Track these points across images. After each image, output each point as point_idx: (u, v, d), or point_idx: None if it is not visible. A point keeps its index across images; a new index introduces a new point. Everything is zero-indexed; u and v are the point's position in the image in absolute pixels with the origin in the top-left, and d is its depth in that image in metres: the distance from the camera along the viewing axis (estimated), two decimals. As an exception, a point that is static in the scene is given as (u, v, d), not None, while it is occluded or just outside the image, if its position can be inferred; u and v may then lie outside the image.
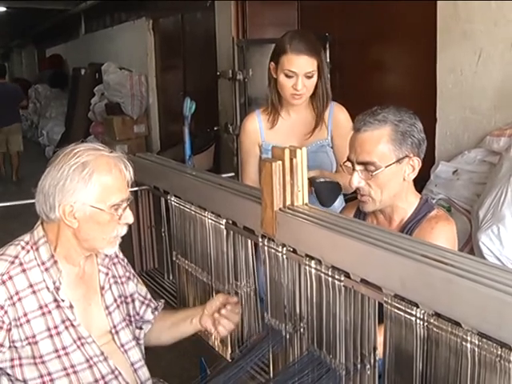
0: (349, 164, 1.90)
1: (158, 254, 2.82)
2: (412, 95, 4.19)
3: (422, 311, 1.20)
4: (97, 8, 10.11)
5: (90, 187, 1.67)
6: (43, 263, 1.73)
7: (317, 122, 2.54)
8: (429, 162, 3.81)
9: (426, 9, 3.85)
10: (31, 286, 1.71)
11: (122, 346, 1.88)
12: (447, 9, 3.68)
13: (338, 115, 2.55)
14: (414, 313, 1.21)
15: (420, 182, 3.71)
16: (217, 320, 1.88)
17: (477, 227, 2.95)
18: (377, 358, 1.41)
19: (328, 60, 4.67)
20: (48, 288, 1.72)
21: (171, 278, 2.62)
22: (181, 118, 5.58)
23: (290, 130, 2.57)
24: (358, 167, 1.86)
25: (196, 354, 2.33)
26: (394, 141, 1.82)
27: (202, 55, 7.08)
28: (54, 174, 1.67)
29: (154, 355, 2.09)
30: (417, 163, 1.86)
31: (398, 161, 1.82)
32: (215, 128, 6.33)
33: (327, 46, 4.73)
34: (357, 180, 1.86)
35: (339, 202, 2.64)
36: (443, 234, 1.82)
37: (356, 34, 4.71)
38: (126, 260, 2.03)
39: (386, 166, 1.81)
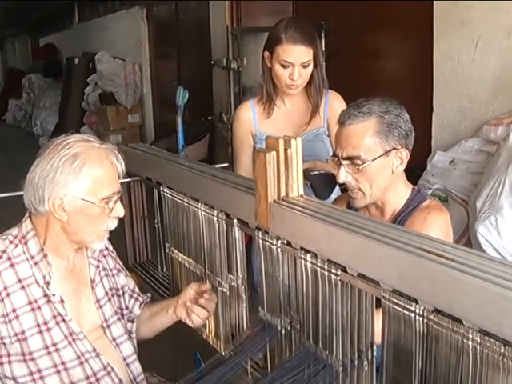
0: (335, 159, 1.86)
1: (151, 246, 2.78)
2: (408, 83, 4.14)
3: (422, 307, 1.16)
4: (90, -3, 10.04)
5: (81, 180, 1.62)
6: (32, 257, 1.69)
7: (313, 111, 2.50)
8: (425, 151, 3.78)
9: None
10: (20, 281, 1.67)
11: (114, 340, 1.84)
12: (444, -4, 3.64)
13: (333, 103, 2.52)
14: (413, 309, 1.17)
15: (416, 172, 3.69)
16: (189, 309, 1.84)
17: (474, 218, 2.92)
18: (374, 354, 1.38)
19: (323, 48, 4.62)
20: (38, 283, 1.68)
21: (165, 270, 2.58)
22: (175, 108, 5.54)
23: (285, 119, 2.53)
24: (344, 162, 1.82)
25: (189, 348, 2.29)
26: (379, 133, 1.78)
27: (196, 44, 7.02)
28: (43, 166, 1.63)
29: (146, 349, 2.06)
30: (405, 155, 1.82)
31: (385, 153, 1.79)
32: (209, 117, 6.28)
33: (323, 34, 4.68)
34: (343, 175, 1.82)
35: (335, 192, 2.61)
36: (436, 224, 1.78)
37: (352, 21, 4.66)
38: (115, 252, 1.99)
39: (373, 160, 1.78)
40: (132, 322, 1.97)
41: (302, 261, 1.47)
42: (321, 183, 2.15)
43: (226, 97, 5.74)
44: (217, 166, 2.71)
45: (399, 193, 1.89)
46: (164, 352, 2.82)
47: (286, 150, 1.54)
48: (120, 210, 1.72)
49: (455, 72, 3.64)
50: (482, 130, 3.43)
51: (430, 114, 3.84)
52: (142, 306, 2.02)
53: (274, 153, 1.53)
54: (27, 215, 1.74)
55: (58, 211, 1.64)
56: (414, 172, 3.67)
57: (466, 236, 3.16)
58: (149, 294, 2.10)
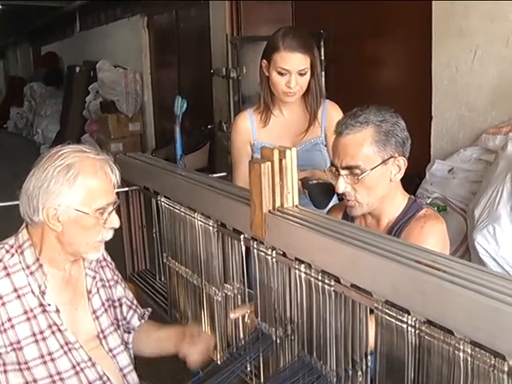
0: (333, 169, 1.86)
1: (149, 255, 2.77)
2: (408, 92, 4.17)
3: (414, 318, 1.16)
4: (91, 5, 10.07)
5: (75, 190, 1.63)
6: (28, 267, 1.69)
7: (310, 120, 2.50)
8: (424, 159, 3.79)
9: (422, 4, 3.82)
10: (16, 290, 1.67)
11: (111, 350, 1.84)
12: (443, 4, 3.65)
13: (331, 113, 2.51)
14: (405, 320, 1.17)
15: (415, 180, 3.70)
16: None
17: (472, 227, 2.92)
18: (369, 364, 1.37)
19: (323, 57, 4.64)
20: (33, 292, 1.69)
21: (163, 279, 2.58)
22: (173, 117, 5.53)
23: (283, 128, 2.53)
24: (342, 172, 1.81)
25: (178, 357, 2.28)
26: (377, 142, 1.77)
27: (196, 52, 7.05)
28: (38, 176, 1.64)
29: (144, 359, 2.06)
30: (402, 163, 1.82)
31: (384, 162, 1.78)
32: (209, 126, 6.29)
33: (322, 42, 4.70)
34: (343, 185, 1.81)
35: (333, 200, 2.60)
36: (433, 233, 1.77)
37: (351, 30, 4.69)
38: (113, 264, 2.00)
39: (372, 169, 1.77)
40: (129, 332, 1.97)
41: (297, 271, 1.47)
42: (319, 192, 2.14)
43: (225, 105, 5.75)
44: (215, 175, 2.70)
45: (396, 202, 1.88)
46: (161, 361, 2.80)
47: (280, 160, 1.54)
48: (115, 221, 1.72)
49: (454, 80, 3.66)
50: (480, 139, 3.44)
51: (429, 123, 3.85)
52: (143, 321, 2.02)
53: (269, 163, 1.53)
54: (24, 225, 1.75)
55: (53, 221, 1.65)
56: (413, 180, 3.68)
57: (464, 245, 3.16)
58: (149, 309, 2.11)
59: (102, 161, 1.70)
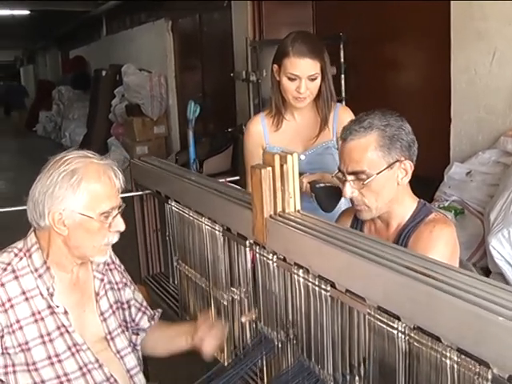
0: (340, 175, 1.86)
1: (164, 258, 2.80)
2: (427, 94, 4.14)
3: (404, 324, 1.16)
4: (117, 9, 10.17)
5: (79, 195, 1.66)
6: (36, 270, 1.73)
7: (322, 124, 2.50)
8: (444, 162, 3.77)
9: (440, 7, 3.80)
10: (24, 292, 1.71)
11: (118, 352, 1.87)
12: (461, 7, 3.63)
13: (342, 116, 2.50)
14: (395, 326, 1.18)
15: (435, 183, 3.68)
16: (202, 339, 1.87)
17: (488, 230, 2.90)
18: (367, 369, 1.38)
19: (342, 59, 4.64)
20: (42, 294, 1.72)
21: (176, 282, 2.60)
22: (200, 119, 5.56)
23: (294, 132, 2.54)
24: (349, 177, 1.81)
25: (193, 359, 2.30)
26: (382, 147, 1.77)
27: (219, 56, 7.09)
28: (43, 182, 1.68)
29: (160, 360, 2.07)
30: (409, 166, 1.81)
31: (389, 166, 1.78)
32: (229, 129, 6.31)
33: (341, 45, 4.70)
34: (349, 191, 1.82)
35: (345, 205, 2.60)
36: (442, 237, 1.77)
37: (370, 33, 4.67)
38: (122, 267, 2.02)
39: (378, 173, 1.77)
40: (137, 334, 1.99)
41: (296, 276, 1.48)
42: (325, 196, 2.15)
43: (247, 108, 5.77)
44: (228, 179, 2.72)
45: (405, 205, 1.88)
46: (179, 363, 2.81)
47: (282, 165, 1.55)
48: (120, 225, 1.75)
49: (472, 83, 3.63)
50: (499, 141, 3.41)
51: (448, 125, 3.82)
52: (153, 321, 2.04)
53: (270, 168, 1.54)
54: (32, 229, 1.78)
55: (58, 225, 1.68)
56: (432, 183, 3.67)
57: (482, 249, 3.13)
58: (160, 310, 2.13)
59: (106, 166, 1.73)
